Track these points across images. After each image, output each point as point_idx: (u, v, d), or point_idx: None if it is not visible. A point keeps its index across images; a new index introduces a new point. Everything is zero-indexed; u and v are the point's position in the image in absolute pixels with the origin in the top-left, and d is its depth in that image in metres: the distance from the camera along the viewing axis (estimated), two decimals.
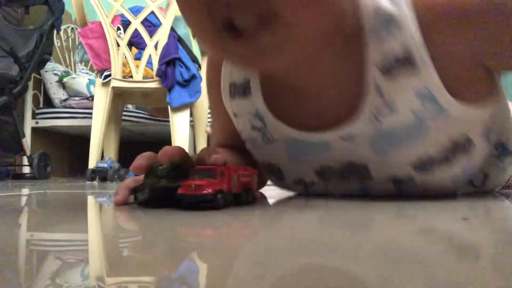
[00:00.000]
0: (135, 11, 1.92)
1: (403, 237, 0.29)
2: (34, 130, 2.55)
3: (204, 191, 0.42)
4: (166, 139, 2.17)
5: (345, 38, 0.47)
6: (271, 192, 0.71)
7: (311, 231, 0.32)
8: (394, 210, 0.45)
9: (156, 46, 1.89)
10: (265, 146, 0.58)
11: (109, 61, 1.91)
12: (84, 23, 1.96)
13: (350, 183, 0.56)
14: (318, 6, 0.40)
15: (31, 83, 2.39)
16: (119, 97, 2.07)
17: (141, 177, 0.47)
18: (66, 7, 2.31)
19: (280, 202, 0.58)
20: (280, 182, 0.62)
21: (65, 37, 2.98)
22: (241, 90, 0.57)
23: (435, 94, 0.46)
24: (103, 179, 1.70)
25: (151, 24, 1.92)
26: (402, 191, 0.55)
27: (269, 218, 0.42)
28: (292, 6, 0.38)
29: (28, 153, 2.11)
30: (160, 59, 1.88)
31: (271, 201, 0.59)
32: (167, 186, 0.45)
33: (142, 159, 0.46)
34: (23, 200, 0.74)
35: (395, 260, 0.21)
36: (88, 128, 2.02)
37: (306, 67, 0.48)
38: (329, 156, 0.55)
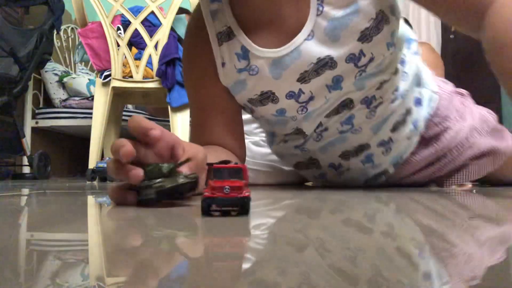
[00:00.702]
0: (135, 11, 1.92)
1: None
2: (34, 130, 2.55)
3: (241, 195, 0.37)
4: None
5: None
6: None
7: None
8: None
9: (156, 46, 1.89)
10: (253, 78, 0.72)
11: (109, 61, 1.91)
12: (84, 23, 1.96)
13: (323, 77, 0.71)
14: None
15: (31, 83, 2.39)
16: (119, 97, 2.07)
17: (132, 171, 0.45)
18: (66, 7, 2.31)
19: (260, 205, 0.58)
20: (276, 104, 0.74)
21: (65, 37, 2.98)
22: (226, 35, 0.73)
23: None
24: (103, 179, 1.70)
25: (151, 24, 1.92)
26: (358, 68, 0.70)
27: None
28: None
29: (28, 153, 2.11)
30: (160, 59, 1.88)
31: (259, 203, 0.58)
32: (175, 186, 0.44)
33: (127, 145, 0.44)
34: (23, 200, 0.74)
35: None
36: (88, 128, 2.02)
37: None
38: (303, 61, 0.69)
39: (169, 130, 1.94)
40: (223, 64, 0.74)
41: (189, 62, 0.79)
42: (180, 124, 1.93)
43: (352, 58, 0.69)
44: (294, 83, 0.71)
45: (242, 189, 0.37)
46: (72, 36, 3.02)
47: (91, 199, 0.71)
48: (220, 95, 0.76)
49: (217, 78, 0.75)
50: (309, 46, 0.68)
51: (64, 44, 2.96)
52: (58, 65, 2.73)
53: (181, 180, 0.45)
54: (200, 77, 0.77)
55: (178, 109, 1.92)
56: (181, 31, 1.99)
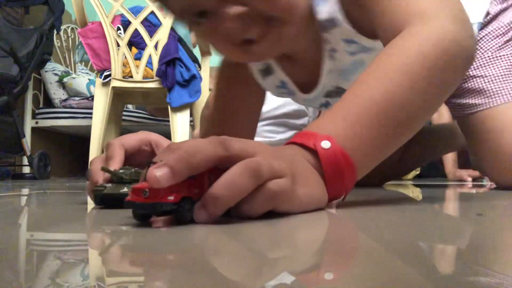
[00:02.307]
0: (135, 11, 1.91)
1: None
2: (34, 130, 2.55)
3: (163, 199, 0.31)
4: None
5: (307, 26, 0.68)
6: None
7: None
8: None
9: (156, 46, 1.89)
10: (290, 97, 0.90)
11: (109, 61, 1.91)
12: (84, 23, 1.96)
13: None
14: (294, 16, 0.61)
15: (31, 83, 2.39)
16: (119, 97, 2.07)
17: (93, 174, 0.48)
18: (66, 7, 2.31)
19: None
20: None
21: (65, 37, 2.98)
22: (267, 71, 0.84)
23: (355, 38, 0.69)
24: None
25: (151, 24, 1.92)
26: None
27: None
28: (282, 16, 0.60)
29: (28, 153, 2.11)
30: (160, 59, 1.88)
31: None
32: (113, 194, 0.44)
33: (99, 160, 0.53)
34: (23, 200, 0.74)
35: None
36: (88, 128, 2.02)
37: (294, 47, 0.75)
38: (327, 88, 0.83)
39: (169, 130, 1.94)
40: (266, 91, 0.92)
41: (227, 67, 0.91)
42: (180, 124, 1.93)
43: None
44: (322, 99, 0.87)
45: (168, 192, 0.30)
46: (72, 36, 3.02)
47: (91, 199, 0.71)
48: (247, 100, 0.89)
49: (249, 84, 0.87)
50: (324, 90, 0.82)
51: (64, 44, 2.96)
52: (58, 65, 2.72)
53: (124, 189, 0.43)
54: (233, 78, 0.89)
55: (178, 109, 1.92)
56: (181, 31, 1.99)
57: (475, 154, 0.92)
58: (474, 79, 0.89)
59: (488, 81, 0.88)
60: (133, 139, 0.54)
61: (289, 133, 1.39)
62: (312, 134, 0.42)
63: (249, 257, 0.23)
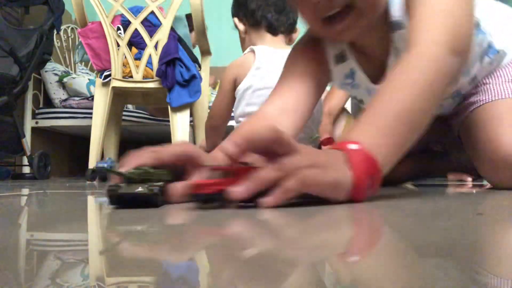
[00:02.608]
0: (135, 11, 1.91)
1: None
2: (34, 130, 2.55)
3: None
4: (166, 139, 2.17)
5: (379, 24, 0.82)
6: None
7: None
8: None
9: (156, 46, 1.89)
10: (352, 89, 0.99)
11: (109, 61, 1.91)
12: (84, 23, 1.96)
13: None
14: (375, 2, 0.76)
15: (31, 83, 2.39)
16: (119, 97, 2.07)
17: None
18: (66, 7, 2.31)
19: None
20: (361, 106, 1.07)
21: (65, 37, 2.98)
22: (340, 58, 0.93)
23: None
24: (103, 179, 1.70)
25: (151, 24, 1.91)
26: None
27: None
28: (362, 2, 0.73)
29: (28, 153, 2.11)
30: (160, 59, 1.88)
31: None
32: (126, 193, 0.46)
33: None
34: (23, 200, 0.74)
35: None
36: (88, 128, 2.02)
37: (364, 41, 0.86)
38: None
39: (169, 130, 1.94)
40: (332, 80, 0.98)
41: (295, 56, 0.94)
42: (180, 124, 1.93)
43: None
44: None
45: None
46: (72, 36, 3.02)
47: (91, 199, 0.71)
48: (307, 92, 0.90)
49: (313, 77, 0.90)
50: None
51: (64, 44, 2.96)
52: (58, 65, 2.72)
53: (138, 189, 0.46)
54: (299, 70, 0.91)
55: (178, 109, 1.92)
56: (181, 31, 1.99)
57: (470, 151, 0.95)
58: (485, 85, 0.98)
59: (496, 83, 0.97)
60: (171, 154, 0.56)
61: None
62: (343, 142, 0.53)
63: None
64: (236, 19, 1.40)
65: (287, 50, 1.03)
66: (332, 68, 0.94)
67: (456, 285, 0.18)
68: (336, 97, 1.64)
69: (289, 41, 1.38)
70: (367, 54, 0.91)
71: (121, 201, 0.46)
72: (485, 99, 0.97)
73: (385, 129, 0.57)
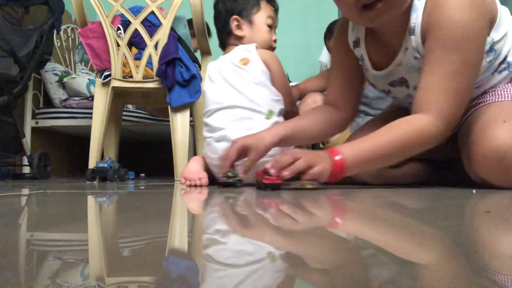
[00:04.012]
0: (135, 11, 1.91)
1: None
2: (34, 130, 2.54)
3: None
4: (166, 139, 2.17)
5: (402, 20, 0.99)
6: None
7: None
8: None
9: (156, 46, 1.89)
10: (364, 71, 1.17)
11: (109, 61, 1.91)
12: (84, 23, 1.96)
13: (403, 89, 1.12)
14: None
15: (31, 83, 2.39)
16: (119, 97, 2.07)
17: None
18: (66, 7, 2.31)
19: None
20: (374, 88, 1.23)
21: (65, 37, 2.98)
22: (357, 44, 1.14)
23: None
24: (103, 179, 1.70)
25: (151, 24, 1.91)
26: None
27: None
28: None
29: (28, 153, 2.11)
30: (160, 59, 1.88)
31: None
32: (227, 182, 1.06)
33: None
34: (23, 200, 0.74)
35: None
36: (88, 128, 2.02)
37: (387, 29, 1.03)
38: (393, 76, 1.11)
39: (169, 130, 1.94)
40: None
41: (337, 45, 1.22)
42: (180, 124, 1.93)
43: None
44: (386, 86, 1.15)
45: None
46: (72, 36, 3.02)
47: (91, 199, 0.71)
48: (350, 70, 1.19)
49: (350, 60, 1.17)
50: (394, 72, 1.08)
51: (64, 44, 2.96)
52: (58, 65, 2.72)
53: (231, 180, 1.06)
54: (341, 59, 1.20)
55: (178, 109, 1.92)
56: (181, 31, 1.99)
57: (461, 149, 0.98)
58: (490, 92, 1.06)
59: (501, 89, 1.04)
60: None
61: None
62: (335, 150, 0.92)
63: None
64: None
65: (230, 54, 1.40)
66: (353, 49, 1.15)
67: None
68: (313, 82, 1.99)
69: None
70: (380, 44, 1.07)
71: (225, 185, 1.06)
72: (485, 101, 1.03)
73: (362, 152, 0.91)
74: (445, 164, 1.25)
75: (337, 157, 0.89)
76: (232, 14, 1.46)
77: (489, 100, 1.02)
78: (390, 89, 1.14)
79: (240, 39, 1.47)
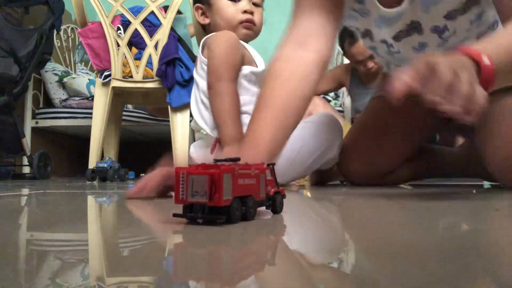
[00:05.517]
0: (135, 11, 1.91)
1: None
2: (34, 130, 2.54)
3: None
4: (166, 139, 2.17)
5: None
6: None
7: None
8: None
9: (156, 46, 1.89)
10: (361, 18, 0.95)
11: (109, 61, 1.91)
12: (84, 23, 1.96)
13: (412, 39, 0.93)
14: None
15: (31, 83, 2.38)
16: (119, 97, 2.07)
17: None
18: (66, 7, 2.31)
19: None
20: (371, 42, 1.00)
21: (65, 37, 2.98)
22: None
23: None
24: (103, 179, 1.70)
25: (151, 24, 1.91)
26: (442, 39, 0.91)
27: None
28: None
29: (28, 153, 2.10)
30: (160, 59, 1.88)
31: None
32: None
33: None
34: (23, 200, 0.74)
35: None
36: (88, 128, 2.02)
37: None
38: (401, 22, 0.91)
39: (169, 130, 1.94)
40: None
41: None
42: (180, 124, 1.93)
43: (437, 30, 0.90)
44: (389, 38, 0.96)
45: None
46: (72, 36, 3.02)
47: (91, 199, 0.71)
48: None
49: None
50: (407, 11, 0.88)
51: (64, 44, 2.96)
52: (58, 65, 2.72)
53: None
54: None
55: (178, 109, 1.92)
56: (181, 31, 1.99)
57: (482, 144, 0.93)
58: None
59: None
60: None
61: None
62: (472, 49, 0.64)
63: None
64: None
65: None
66: None
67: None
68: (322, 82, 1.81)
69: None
70: None
71: None
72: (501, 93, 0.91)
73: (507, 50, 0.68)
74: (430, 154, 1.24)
75: (486, 60, 0.62)
76: (195, 3, 1.31)
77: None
78: (393, 43, 0.96)
79: (207, 29, 1.29)
